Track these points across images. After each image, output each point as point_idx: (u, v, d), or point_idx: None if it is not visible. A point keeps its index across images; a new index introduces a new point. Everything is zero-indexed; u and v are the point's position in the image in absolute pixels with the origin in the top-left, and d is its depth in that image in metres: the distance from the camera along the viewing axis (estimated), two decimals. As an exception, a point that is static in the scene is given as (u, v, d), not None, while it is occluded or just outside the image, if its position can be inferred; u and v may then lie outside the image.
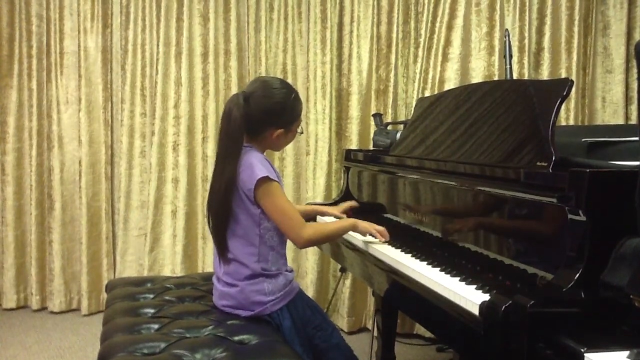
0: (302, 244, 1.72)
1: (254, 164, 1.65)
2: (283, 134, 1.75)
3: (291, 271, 1.78)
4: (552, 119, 1.42)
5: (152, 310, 1.77)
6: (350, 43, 3.25)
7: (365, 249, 1.89)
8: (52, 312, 3.39)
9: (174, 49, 3.32)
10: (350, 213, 2.24)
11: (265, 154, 1.77)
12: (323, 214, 2.21)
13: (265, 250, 1.70)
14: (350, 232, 1.91)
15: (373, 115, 2.87)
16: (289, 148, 3.31)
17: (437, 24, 3.06)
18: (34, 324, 3.24)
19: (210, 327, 1.61)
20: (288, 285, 1.72)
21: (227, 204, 1.66)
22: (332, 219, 2.13)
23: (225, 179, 1.65)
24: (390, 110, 3.16)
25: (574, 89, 2.80)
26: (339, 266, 2.97)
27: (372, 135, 2.67)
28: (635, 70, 2.86)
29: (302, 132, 1.87)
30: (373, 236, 1.85)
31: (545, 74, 2.97)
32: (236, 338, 1.55)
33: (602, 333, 1.05)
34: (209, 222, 1.74)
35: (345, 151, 2.57)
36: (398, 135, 2.37)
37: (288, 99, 1.73)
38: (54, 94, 3.36)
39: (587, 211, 1.16)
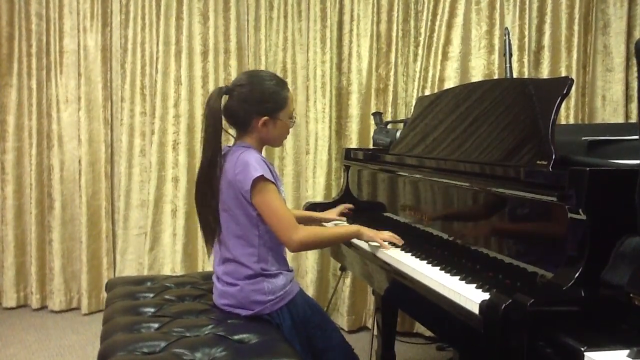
0: (295, 247, 1.68)
1: (250, 163, 1.63)
2: (271, 123, 1.72)
3: (291, 271, 1.77)
4: (552, 117, 1.42)
5: (152, 309, 1.77)
6: (350, 42, 3.25)
7: (365, 248, 1.88)
8: (52, 311, 3.39)
9: (174, 47, 3.32)
10: (351, 213, 2.23)
11: (264, 153, 1.76)
12: (320, 222, 2.17)
13: (264, 251, 1.69)
14: None
15: (373, 114, 2.86)
16: (289, 147, 3.31)
17: (437, 23, 3.05)
18: (34, 322, 3.24)
19: (210, 326, 1.61)
20: (288, 285, 1.72)
21: (214, 180, 1.66)
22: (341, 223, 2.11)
23: (209, 158, 1.66)
24: (390, 109, 3.15)
25: (574, 88, 2.80)
26: (339, 265, 2.96)
27: (372, 134, 2.67)
28: (635, 68, 2.85)
29: (294, 121, 1.82)
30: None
31: (545, 73, 2.97)
32: (236, 337, 1.55)
33: (602, 332, 1.05)
34: (197, 208, 1.73)
35: (345, 150, 2.57)
36: (398, 134, 2.37)
37: (269, 85, 1.72)
38: (53, 92, 3.36)
39: (587, 210, 1.16)
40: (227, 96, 1.71)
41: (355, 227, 1.83)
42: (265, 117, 1.70)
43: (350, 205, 2.22)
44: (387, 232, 1.81)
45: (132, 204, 3.40)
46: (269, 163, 1.71)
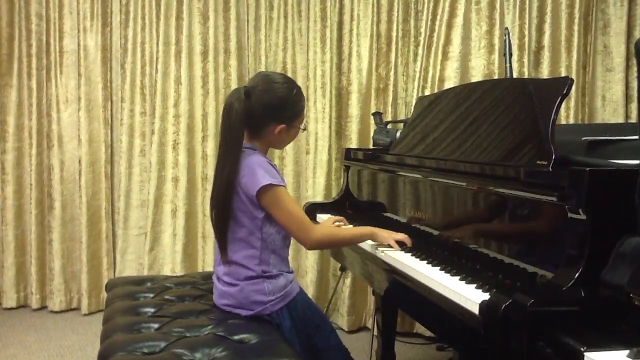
0: (311, 245, 1.72)
1: (256, 169, 1.62)
2: (285, 130, 1.72)
3: (292, 272, 1.77)
4: (552, 117, 1.42)
5: (152, 310, 1.77)
6: (350, 42, 3.25)
7: (365, 248, 1.88)
8: (52, 311, 3.39)
9: (174, 47, 3.32)
10: (351, 212, 2.22)
11: (267, 154, 1.76)
12: None
13: (266, 253, 1.68)
14: None
15: (373, 114, 2.86)
16: (289, 147, 3.30)
17: (437, 23, 3.05)
18: (34, 323, 3.24)
19: (210, 326, 1.60)
20: (288, 286, 1.71)
21: (229, 202, 1.65)
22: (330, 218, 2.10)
23: (226, 175, 1.64)
24: (390, 109, 3.15)
25: (573, 88, 2.80)
26: (339, 265, 2.96)
27: (372, 134, 2.67)
28: (635, 68, 2.85)
29: (305, 129, 1.83)
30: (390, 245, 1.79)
31: (545, 73, 2.97)
32: (236, 337, 1.55)
33: (602, 332, 1.05)
34: (212, 220, 1.72)
35: (345, 150, 2.57)
36: (398, 134, 2.37)
37: (290, 94, 1.71)
38: (53, 92, 3.36)
39: (587, 210, 1.16)
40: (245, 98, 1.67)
41: (370, 229, 1.82)
42: (283, 126, 1.70)
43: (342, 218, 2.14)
44: (401, 234, 1.78)
45: (132, 204, 3.40)
46: (273, 164, 1.71)
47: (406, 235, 1.78)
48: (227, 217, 1.66)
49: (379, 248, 1.79)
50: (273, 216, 1.65)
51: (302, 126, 1.79)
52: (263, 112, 1.68)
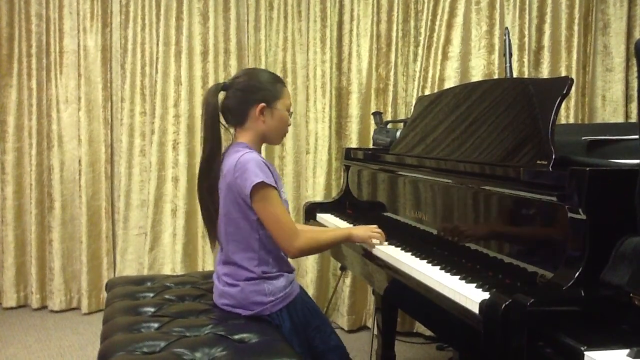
0: (294, 254, 1.69)
1: (249, 168, 1.60)
2: (268, 111, 1.71)
3: (292, 272, 1.76)
4: (552, 117, 1.42)
5: (152, 309, 1.77)
6: (350, 42, 3.25)
7: (366, 247, 1.88)
8: (52, 311, 3.39)
9: (174, 47, 3.32)
10: (351, 212, 2.23)
11: (264, 153, 1.76)
12: None
13: (265, 254, 1.68)
14: None
15: (373, 113, 2.87)
16: (289, 147, 3.31)
17: (437, 23, 3.05)
18: (34, 322, 3.24)
19: (210, 326, 1.61)
20: (289, 287, 1.71)
21: (210, 179, 1.68)
22: (333, 225, 2.10)
23: (205, 158, 1.70)
24: (390, 109, 3.16)
25: (573, 88, 2.81)
26: (339, 265, 2.96)
27: (372, 133, 2.67)
28: (635, 68, 2.86)
29: (291, 112, 1.83)
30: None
31: (545, 73, 2.97)
32: (236, 337, 1.55)
33: (602, 331, 1.05)
34: (203, 215, 1.76)
35: (345, 150, 2.57)
36: (398, 133, 2.37)
37: (264, 76, 1.78)
38: (53, 93, 3.36)
39: (587, 210, 1.16)
40: (226, 93, 1.74)
41: (347, 231, 1.83)
42: (262, 104, 1.70)
43: None
44: (376, 228, 1.83)
45: (132, 204, 3.40)
46: (269, 164, 1.68)
47: (380, 231, 1.82)
48: (213, 192, 1.68)
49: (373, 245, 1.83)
50: (259, 216, 1.63)
51: (289, 112, 1.78)
52: (240, 96, 1.71)
